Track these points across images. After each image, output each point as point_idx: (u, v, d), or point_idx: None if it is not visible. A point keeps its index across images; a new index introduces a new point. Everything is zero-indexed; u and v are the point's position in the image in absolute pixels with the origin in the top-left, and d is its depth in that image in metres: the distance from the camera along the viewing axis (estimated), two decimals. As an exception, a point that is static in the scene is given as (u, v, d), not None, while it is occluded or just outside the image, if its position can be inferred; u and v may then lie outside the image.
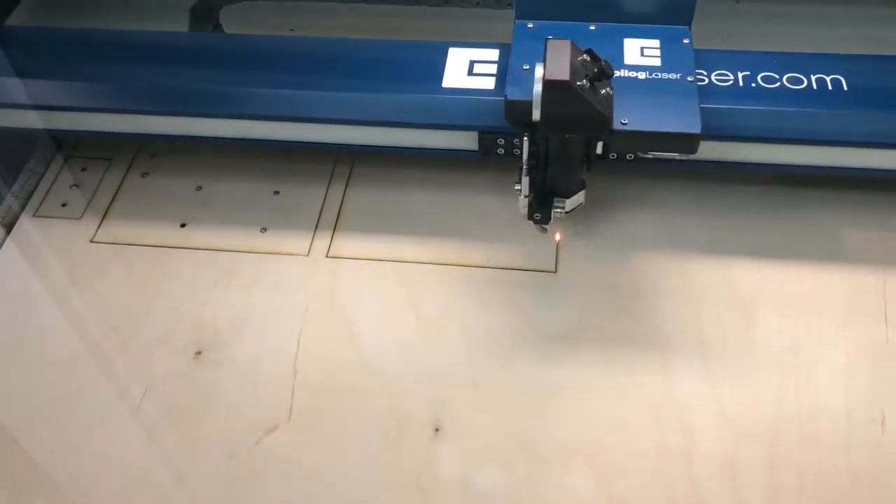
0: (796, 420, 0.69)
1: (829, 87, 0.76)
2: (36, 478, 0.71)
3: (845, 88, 0.75)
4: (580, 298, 0.78)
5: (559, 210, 0.76)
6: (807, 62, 0.78)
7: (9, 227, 0.88)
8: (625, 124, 0.69)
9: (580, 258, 0.81)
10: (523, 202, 0.76)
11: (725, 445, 0.68)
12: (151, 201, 0.89)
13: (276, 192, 0.89)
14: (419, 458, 0.69)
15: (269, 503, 0.68)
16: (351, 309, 0.79)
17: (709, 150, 0.76)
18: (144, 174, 0.92)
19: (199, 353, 0.77)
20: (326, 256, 0.83)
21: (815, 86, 0.76)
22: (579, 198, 0.77)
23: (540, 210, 0.76)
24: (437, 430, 0.71)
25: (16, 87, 0.84)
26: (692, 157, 0.71)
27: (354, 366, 0.75)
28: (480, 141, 0.79)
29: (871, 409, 0.70)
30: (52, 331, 0.80)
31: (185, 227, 0.87)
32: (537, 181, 0.75)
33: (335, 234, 0.85)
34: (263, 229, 0.86)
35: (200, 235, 0.86)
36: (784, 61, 0.78)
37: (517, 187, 0.75)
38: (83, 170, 0.93)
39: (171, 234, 0.86)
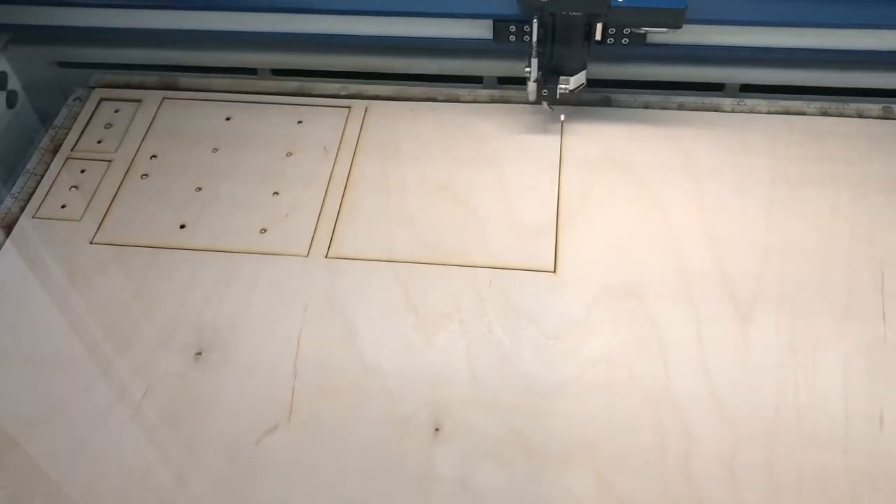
0: (795, 419, 0.70)
1: None
2: (36, 478, 0.71)
3: None
4: (579, 298, 0.78)
5: (563, 88, 0.87)
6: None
7: (8, 229, 0.88)
8: (620, 2, 0.82)
9: (580, 260, 0.81)
10: (532, 87, 0.87)
11: (724, 444, 0.69)
12: (151, 202, 0.90)
13: (276, 193, 0.89)
14: (419, 458, 0.69)
15: (269, 503, 0.68)
16: (350, 309, 0.79)
17: (692, 35, 0.91)
18: (144, 175, 0.92)
19: (198, 353, 0.77)
20: (326, 257, 0.83)
21: None
22: (581, 77, 0.88)
23: (547, 88, 0.87)
24: (437, 430, 0.71)
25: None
26: (680, 42, 0.90)
27: (354, 366, 0.75)
28: (494, 28, 0.91)
29: (869, 407, 0.70)
30: (52, 332, 0.80)
31: (185, 229, 0.87)
32: (544, 62, 0.86)
33: (334, 235, 0.85)
34: (263, 230, 0.86)
35: (200, 236, 0.86)
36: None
37: (527, 69, 0.86)
38: (82, 171, 0.93)
39: (171, 235, 0.86)
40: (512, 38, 0.91)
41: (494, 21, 0.91)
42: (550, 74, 0.88)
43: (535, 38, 0.83)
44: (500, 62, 0.99)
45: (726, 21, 0.90)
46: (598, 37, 0.86)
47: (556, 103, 0.90)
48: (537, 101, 0.90)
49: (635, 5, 0.82)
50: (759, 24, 0.90)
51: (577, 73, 0.87)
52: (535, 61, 0.85)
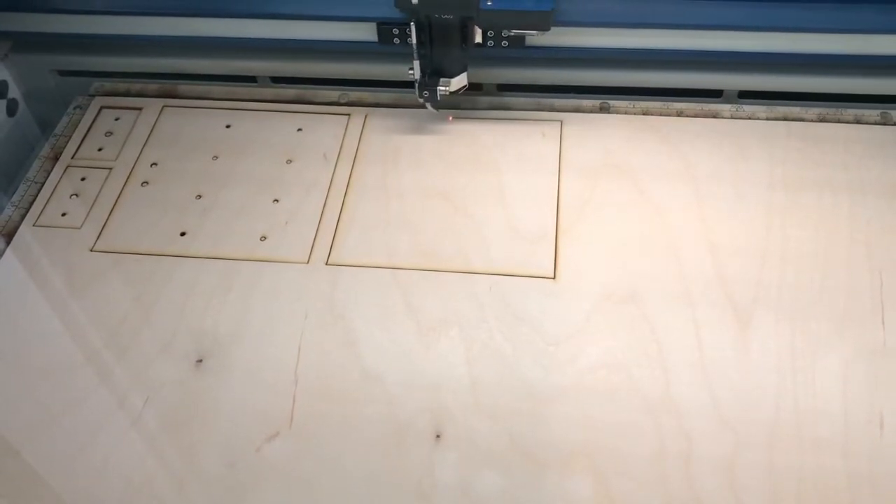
0: (794, 423, 0.70)
1: None
2: (36, 487, 0.71)
3: None
4: (579, 304, 0.78)
5: (443, 90, 0.90)
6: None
7: (9, 237, 0.88)
8: (490, 5, 0.85)
9: (579, 266, 0.81)
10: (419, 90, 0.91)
11: (724, 449, 0.69)
12: (151, 210, 0.90)
13: (276, 200, 0.89)
14: (420, 464, 0.69)
15: (271, 510, 0.68)
16: (351, 316, 0.79)
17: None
18: (144, 183, 0.92)
19: (199, 360, 0.77)
20: (326, 264, 0.83)
21: None
22: (462, 79, 0.92)
23: (428, 89, 0.90)
24: (437, 436, 0.71)
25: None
26: (553, 43, 0.92)
27: (355, 373, 0.75)
28: (379, 31, 0.94)
29: (869, 411, 0.70)
30: (53, 340, 0.80)
31: (185, 236, 0.87)
32: (426, 64, 0.90)
33: (334, 242, 0.85)
34: (263, 237, 0.86)
35: (200, 244, 0.86)
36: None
37: (410, 71, 0.89)
38: (83, 179, 0.94)
39: (171, 242, 0.86)
40: (396, 40, 0.93)
41: (378, 24, 0.93)
42: (433, 76, 0.90)
43: (414, 41, 0.87)
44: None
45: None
46: (478, 39, 0.89)
47: (439, 106, 0.92)
48: (422, 105, 0.92)
49: (503, 8, 0.85)
50: (755, 29, 0.90)
51: (457, 74, 0.90)
52: (416, 63, 0.88)
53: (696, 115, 0.94)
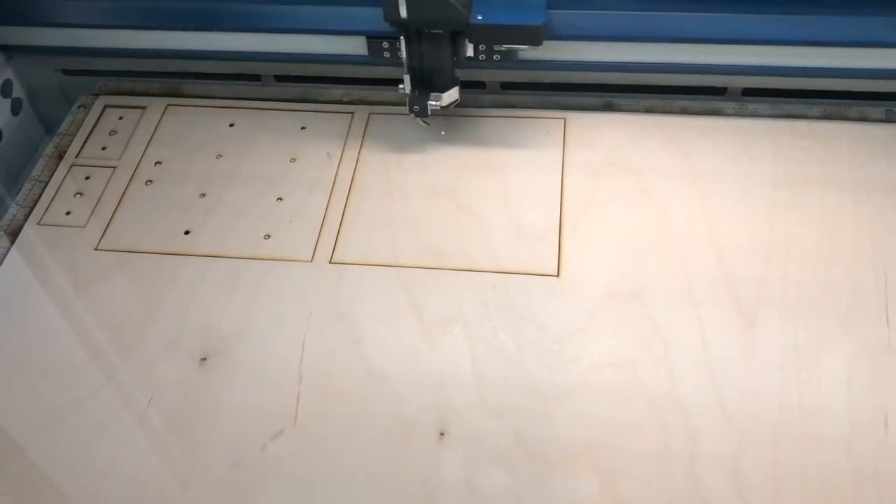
0: (799, 421, 0.70)
1: None
2: (41, 486, 0.71)
3: None
4: (583, 302, 0.78)
5: (434, 104, 0.88)
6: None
7: (13, 236, 0.89)
8: (480, 19, 0.81)
9: (583, 264, 0.81)
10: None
11: (729, 447, 0.69)
12: (155, 209, 0.90)
13: (280, 199, 0.89)
14: (425, 462, 0.69)
15: (276, 508, 0.68)
16: (355, 314, 0.79)
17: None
18: (148, 182, 0.93)
19: (204, 359, 0.77)
20: (330, 262, 0.83)
21: None
22: (454, 94, 0.90)
23: (419, 103, 0.88)
24: (442, 434, 0.71)
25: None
26: (545, 57, 0.92)
27: (359, 371, 0.75)
28: (369, 45, 0.93)
29: (873, 410, 0.70)
30: (57, 338, 0.80)
31: (189, 235, 0.87)
32: (416, 78, 0.88)
33: (338, 240, 0.85)
34: (267, 236, 0.86)
35: (204, 242, 0.86)
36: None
37: (401, 87, 0.88)
38: (87, 178, 0.94)
39: (175, 241, 0.87)
40: (386, 54, 0.92)
41: (367, 38, 0.92)
42: (424, 91, 0.88)
43: (404, 55, 0.85)
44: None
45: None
46: (469, 53, 0.87)
47: (431, 120, 0.92)
48: (418, 117, 0.91)
49: (494, 23, 0.82)
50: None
51: (448, 89, 0.88)
52: (407, 78, 0.87)
53: (699, 113, 0.94)
